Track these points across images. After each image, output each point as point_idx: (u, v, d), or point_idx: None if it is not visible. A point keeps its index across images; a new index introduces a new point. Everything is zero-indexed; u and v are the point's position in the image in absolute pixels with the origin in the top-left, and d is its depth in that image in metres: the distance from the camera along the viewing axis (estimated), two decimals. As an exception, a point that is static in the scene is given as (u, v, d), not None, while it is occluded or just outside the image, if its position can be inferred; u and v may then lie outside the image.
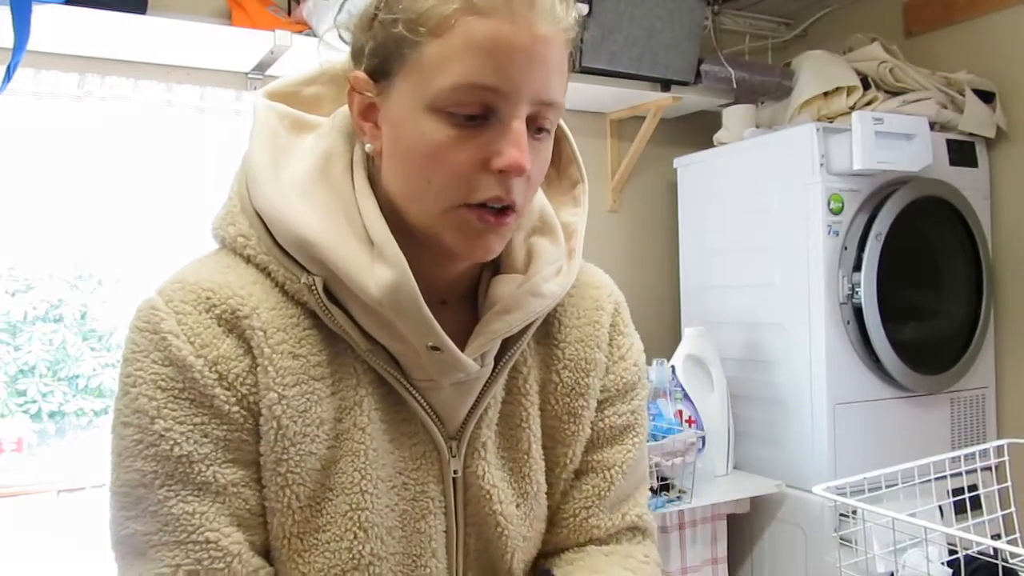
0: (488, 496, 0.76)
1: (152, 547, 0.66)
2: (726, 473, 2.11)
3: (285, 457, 0.68)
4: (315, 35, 1.80)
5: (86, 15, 1.62)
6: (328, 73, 0.81)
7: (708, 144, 2.44)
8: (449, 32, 0.63)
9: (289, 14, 1.95)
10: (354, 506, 0.70)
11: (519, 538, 0.79)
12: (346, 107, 0.76)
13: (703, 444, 1.98)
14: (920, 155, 2.02)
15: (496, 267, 0.77)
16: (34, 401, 2.04)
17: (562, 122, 0.78)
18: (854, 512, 1.13)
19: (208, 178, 1.95)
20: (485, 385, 0.75)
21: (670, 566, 1.97)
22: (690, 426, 2.00)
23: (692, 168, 2.45)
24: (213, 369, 0.67)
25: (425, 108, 0.65)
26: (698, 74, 2.23)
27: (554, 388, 0.80)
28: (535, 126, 0.67)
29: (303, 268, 0.69)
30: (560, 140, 0.82)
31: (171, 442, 0.66)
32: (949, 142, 2.19)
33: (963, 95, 2.22)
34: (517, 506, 0.78)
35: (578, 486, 0.82)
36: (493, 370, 0.75)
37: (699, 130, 2.57)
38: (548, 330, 0.81)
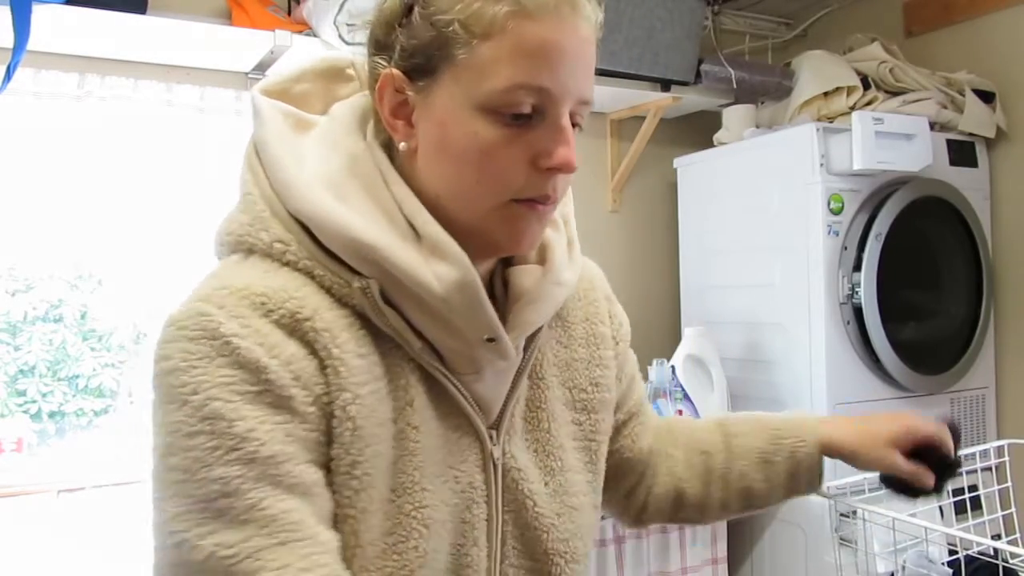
0: (523, 477, 0.79)
1: (245, 559, 0.60)
2: (726, 473, 2.11)
3: (361, 459, 0.67)
4: (315, 35, 1.80)
5: (86, 15, 1.63)
6: (314, 70, 0.80)
7: (708, 144, 2.44)
8: (500, 34, 0.65)
9: (289, 14, 1.95)
10: (417, 504, 0.70)
11: (552, 515, 0.81)
12: (341, 104, 0.77)
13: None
14: (920, 155, 2.02)
15: (506, 260, 0.79)
16: (34, 401, 2.04)
17: None
18: (854, 512, 1.13)
19: (208, 178, 1.95)
20: (517, 372, 0.79)
21: (670, 566, 1.97)
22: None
23: (692, 168, 2.45)
24: (288, 369, 0.64)
25: (476, 108, 0.67)
26: (698, 74, 2.23)
27: (576, 364, 0.86)
28: (572, 123, 0.70)
29: (352, 270, 0.68)
30: None
31: (256, 442, 0.62)
32: (949, 142, 2.20)
33: (963, 95, 2.22)
34: (545, 484, 0.81)
35: (643, 424, 0.97)
36: (523, 358, 0.79)
37: (699, 130, 2.57)
38: (557, 312, 0.85)
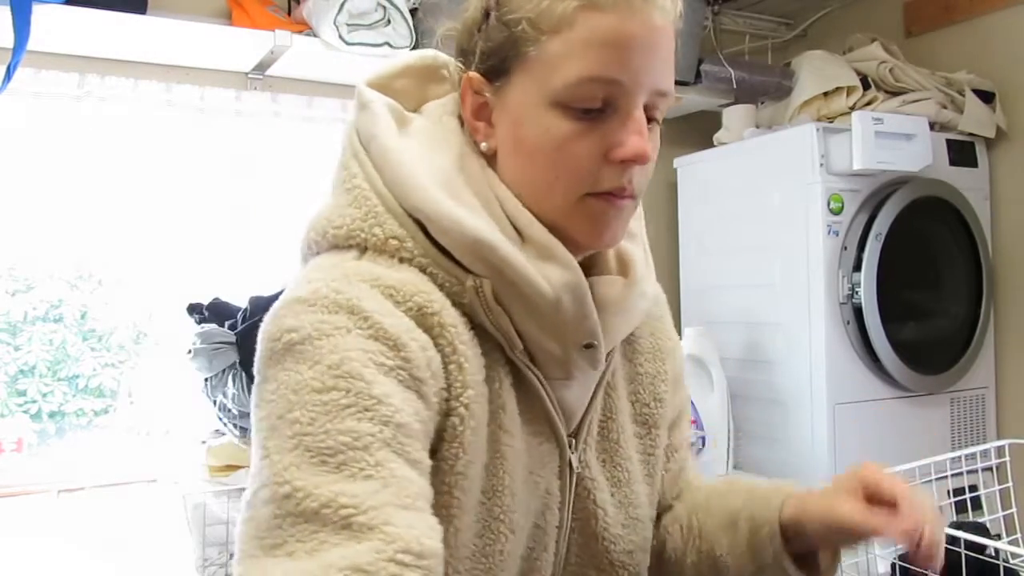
0: (595, 487, 0.79)
1: (369, 510, 0.54)
2: (726, 473, 2.11)
3: (474, 459, 0.66)
4: (315, 35, 1.80)
5: (86, 15, 1.62)
6: (415, 67, 0.79)
7: (708, 144, 2.44)
8: (569, 28, 0.65)
9: (289, 14, 1.95)
10: (506, 508, 0.70)
11: (618, 526, 0.80)
12: (435, 104, 0.77)
13: (703, 444, 1.98)
14: (920, 155, 2.02)
15: (585, 270, 0.76)
16: (34, 401, 2.04)
17: None
18: (854, 512, 1.13)
19: (208, 178, 1.95)
20: (598, 382, 0.79)
21: (670, 566, 1.97)
22: (690, 426, 2.00)
23: (692, 168, 2.45)
24: (424, 354, 0.63)
25: (548, 103, 0.67)
26: (698, 74, 2.23)
27: (641, 378, 0.85)
28: (648, 116, 0.69)
29: (464, 269, 0.68)
30: None
31: (392, 408, 0.59)
32: (949, 142, 2.19)
33: (963, 95, 2.21)
34: (611, 495, 0.81)
35: (685, 466, 0.92)
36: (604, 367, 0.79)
37: (699, 130, 2.57)
38: None
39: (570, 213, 0.69)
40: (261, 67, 1.94)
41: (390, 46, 1.79)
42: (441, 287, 0.68)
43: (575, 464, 0.77)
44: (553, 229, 0.70)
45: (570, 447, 0.77)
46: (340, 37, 1.75)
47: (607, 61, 0.65)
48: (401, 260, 0.68)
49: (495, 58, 0.70)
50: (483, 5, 0.71)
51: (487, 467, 0.70)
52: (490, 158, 0.72)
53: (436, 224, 0.67)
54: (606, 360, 0.78)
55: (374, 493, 0.56)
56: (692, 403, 2.03)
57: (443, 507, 0.65)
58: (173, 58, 1.90)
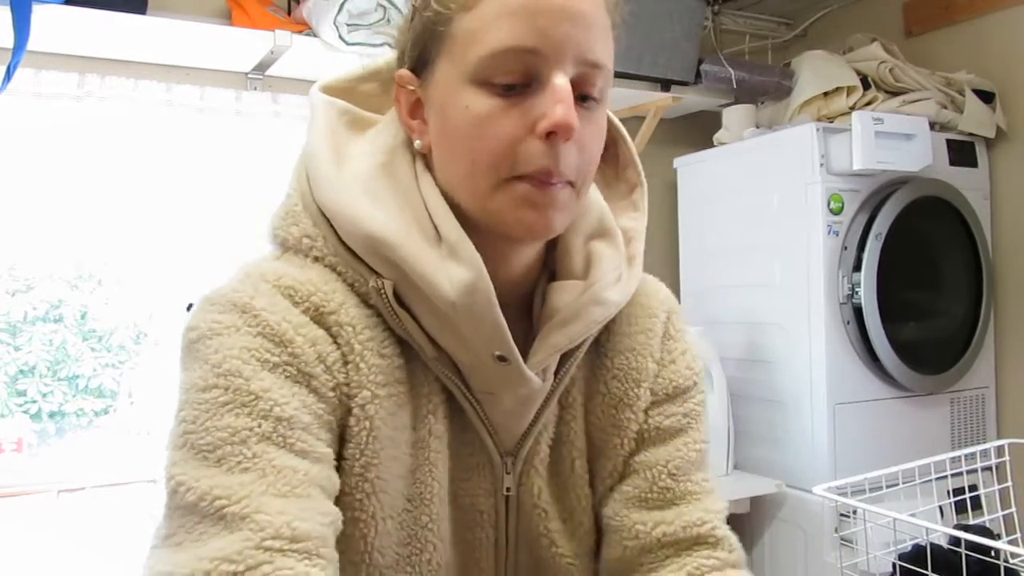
0: (542, 515, 0.74)
1: (240, 501, 0.57)
2: (726, 473, 2.11)
3: (375, 462, 0.65)
4: (315, 35, 1.80)
5: (86, 15, 1.62)
6: (383, 71, 0.78)
7: (708, 144, 2.44)
8: (481, 2, 0.62)
9: (289, 14, 1.95)
10: (433, 517, 0.69)
11: (571, 555, 0.76)
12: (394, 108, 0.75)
13: (703, 444, 1.98)
14: (920, 155, 2.02)
15: (552, 274, 0.73)
16: (34, 401, 2.04)
17: (620, 124, 0.77)
18: (854, 512, 1.13)
19: (208, 178, 1.95)
20: (545, 400, 0.72)
21: (670, 566, 1.96)
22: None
23: (692, 168, 2.45)
24: (314, 348, 0.63)
25: (467, 81, 0.63)
26: (698, 74, 2.23)
27: (600, 400, 0.76)
28: (580, 92, 0.63)
29: (370, 270, 0.66)
30: (617, 142, 0.79)
31: (271, 402, 0.60)
32: (949, 142, 2.19)
33: (963, 95, 2.22)
34: (564, 521, 0.76)
35: (620, 488, 0.76)
36: (552, 383, 0.72)
37: (699, 130, 2.57)
38: (596, 338, 0.76)
39: (495, 200, 0.63)
40: (261, 67, 1.94)
41: (390, 46, 1.79)
42: (352, 286, 0.67)
43: (510, 487, 0.72)
44: (482, 222, 0.65)
45: (505, 468, 0.72)
46: (340, 37, 1.75)
47: (520, 30, 0.60)
48: (315, 259, 0.68)
49: (418, 48, 0.68)
50: (412, 4, 0.69)
51: (413, 473, 0.68)
52: (428, 157, 0.69)
53: (339, 222, 0.67)
54: (558, 374, 0.72)
55: (248, 484, 0.58)
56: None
57: (347, 509, 0.65)
58: (173, 58, 1.90)
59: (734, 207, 2.27)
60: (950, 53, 2.39)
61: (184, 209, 1.97)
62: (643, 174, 0.80)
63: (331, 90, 0.76)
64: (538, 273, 0.73)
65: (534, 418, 0.72)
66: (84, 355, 2.12)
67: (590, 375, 0.76)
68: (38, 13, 1.51)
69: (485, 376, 0.68)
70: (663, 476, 0.75)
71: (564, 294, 0.70)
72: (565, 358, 0.72)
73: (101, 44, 1.80)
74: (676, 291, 2.50)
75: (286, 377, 0.62)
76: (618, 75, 2.14)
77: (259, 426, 0.60)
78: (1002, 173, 2.28)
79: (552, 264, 0.73)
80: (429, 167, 0.69)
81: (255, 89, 1.98)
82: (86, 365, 2.11)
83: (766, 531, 2.11)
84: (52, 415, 2.06)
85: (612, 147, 0.79)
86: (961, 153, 2.21)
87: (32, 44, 1.50)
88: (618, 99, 2.33)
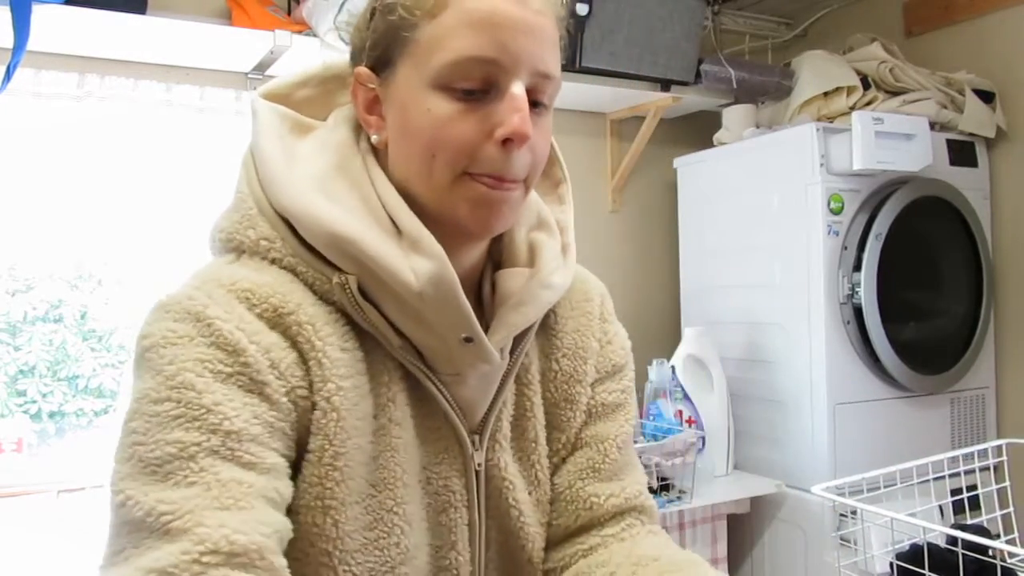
0: (510, 487, 0.79)
1: (184, 515, 0.58)
2: (726, 473, 2.11)
3: (343, 451, 0.67)
4: (315, 35, 1.80)
5: (86, 15, 1.63)
6: (317, 77, 0.81)
7: (708, 144, 2.44)
8: (445, 10, 0.66)
9: (289, 14, 1.95)
10: (398, 500, 0.71)
11: (536, 525, 0.81)
12: (340, 110, 0.78)
13: (703, 444, 1.98)
14: (920, 155, 2.02)
15: (496, 263, 0.79)
16: (34, 401, 2.04)
17: None
18: (854, 512, 1.13)
19: (208, 178, 1.95)
20: (503, 377, 0.78)
21: (670, 566, 1.97)
22: (690, 426, 2.00)
23: (692, 168, 2.45)
24: (266, 356, 0.65)
25: (429, 86, 0.67)
26: (698, 74, 2.23)
27: (553, 376, 0.83)
28: (532, 99, 0.69)
29: (333, 267, 0.69)
30: None
31: (221, 416, 0.62)
32: (949, 142, 2.20)
33: (963, 95, 2.22)
34: (529, 493, 0.81)
35: (573, 459, 0.84)
36: (509, 362, 0.78)
37: (699, 130, 2.57)
38: (545, 321, 0.84)
39: (451, 194, 0.68)
40: (261, 67, 1.95)
41: (344, 42, 1.79)
42: (311, 286, 0.69)
43: (478, 462, 0.77)
44: (438, 216, 0.70)
45: (473, 444, 0.77)
46: (340, 37, 1.75)
47: (482, 41, 0.66)
48: (272, 261, 0.70)
49: (379, 48, 0.71)
50: (371, 4, 0.72)
51: (375, 460, 0.71)
52: (382, 153, 0.73)
53: (300, 222, 0.69)
54: (512, 354, 0.78)
55: (193, 498, 0.59)
56: (692, 403, 2.03)
57: (317, 499, 0.67)
58: (173, 58, 1.90)
59: (734, 207, 2.27)
60: (950, 53, 2.39)
61: (184, 209, 1.97)
62: (567, 170, 0.87)
63: (271, 96, 0.79)
64: (483, 262, 0.79)
65: (495, 395, 0.78)
66: (84, 355, 2.12)
67: (542, 355, 0.83)
68: (38, 13, 1.51)
69: (451, 358, 0.72)
70: (612, 449, 0.84)
71: (513, 280, 0.76)
72: (518, 340, 0.78)
73: (101, 44, 1.81)
74: (676, 291, 2.50)
75: (239, 387, 0.64)
76: (618, 75, 2.16)
77: (208, 440, 0.61)
78: (1002, 173, 2.28)
79: (496, 254, 0.80)
80: (381, 163, 0.73)
81: (255, 89, 1.97)
82: (86, 365, 2.11)
83: (766, 531, 2.12)
84: (52, 415, 2.06)
85: None
86: (961, 153, 2.22)
87: (32, 44, 1.50)
88: (618, 99, 2.33)
